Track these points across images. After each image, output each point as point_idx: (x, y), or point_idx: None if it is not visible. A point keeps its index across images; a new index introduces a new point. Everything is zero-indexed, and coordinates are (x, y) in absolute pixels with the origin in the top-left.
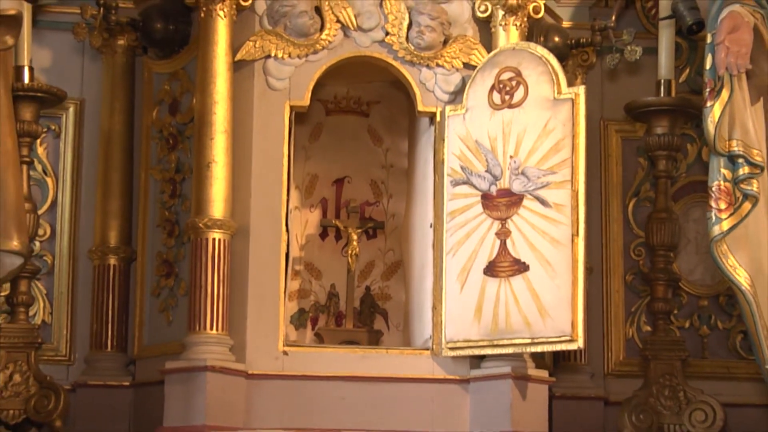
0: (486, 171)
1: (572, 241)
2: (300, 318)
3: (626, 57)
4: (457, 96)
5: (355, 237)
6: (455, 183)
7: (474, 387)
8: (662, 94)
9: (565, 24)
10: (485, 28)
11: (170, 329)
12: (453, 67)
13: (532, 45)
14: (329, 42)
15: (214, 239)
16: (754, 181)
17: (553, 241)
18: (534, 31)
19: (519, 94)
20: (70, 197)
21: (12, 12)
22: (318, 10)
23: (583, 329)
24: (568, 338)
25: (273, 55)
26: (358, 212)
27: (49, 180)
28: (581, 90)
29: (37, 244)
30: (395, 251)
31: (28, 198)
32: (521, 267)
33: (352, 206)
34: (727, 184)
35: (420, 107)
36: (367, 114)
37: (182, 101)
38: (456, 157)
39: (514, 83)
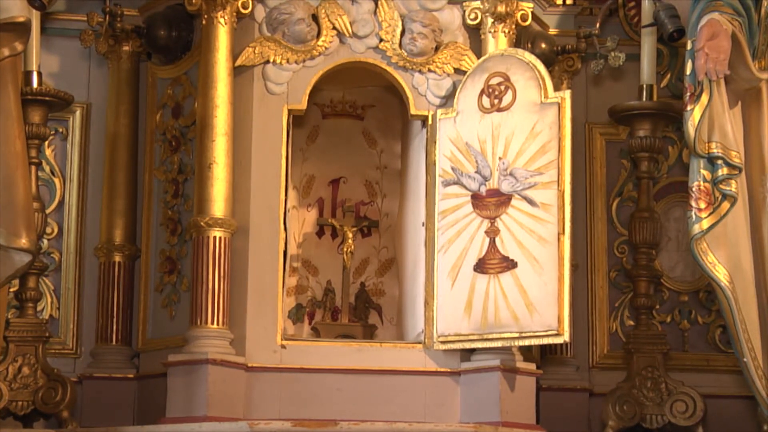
0: (476, 172)
1: (558, 239)
2: (297, 313)
3: (610, 63)
4: (448, 100)
5: (350, 235)
6: (446, 183)
7: (464, 379)
8: (644, 99)
9: (552, 31)
10: (475, 35)
11: (173, 324)
12: (444, 72)
13: (520, 51)
14: (326, 48)
15: (215, 237)
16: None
17: (540, 239)
18: (522, 38)
19: (507, 99)
20: (76, 197)
21: (21, 19)
22: (315, 18)
23: (569, 324)
24: (554, 332)
25: (272, 60)
26: (354, 211)
27: (56, 180)
28: (567, 94)
29: (45, 242)
30: (389, 249)
31: (37, 198)
32: (510, 264)
33: (348, 206)
34: (707, 184)
35: (413, 111)
36: (361, 117)
37: (185, 105)
38: (447, 158)
39: (502, 88)
